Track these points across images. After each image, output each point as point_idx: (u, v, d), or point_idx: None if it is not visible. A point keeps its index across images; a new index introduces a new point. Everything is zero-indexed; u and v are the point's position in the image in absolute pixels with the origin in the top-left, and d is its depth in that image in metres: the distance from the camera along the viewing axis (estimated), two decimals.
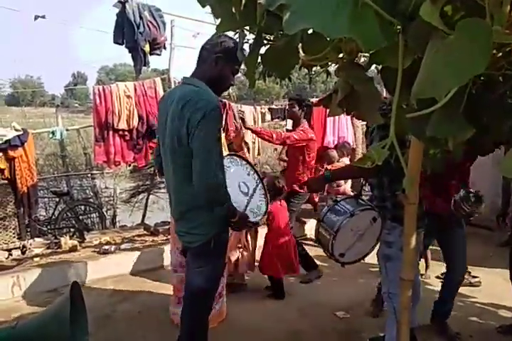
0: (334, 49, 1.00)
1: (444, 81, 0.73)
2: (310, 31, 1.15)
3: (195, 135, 1.79)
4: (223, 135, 3.79)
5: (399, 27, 0.91)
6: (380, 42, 0.78)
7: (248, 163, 2.41)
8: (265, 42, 1.34)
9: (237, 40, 2.12)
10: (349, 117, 6.27)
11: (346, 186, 4.82)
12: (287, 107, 4.06)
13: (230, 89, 5.95)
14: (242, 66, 1.94)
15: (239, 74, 2.19)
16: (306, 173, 3.87)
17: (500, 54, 1.13)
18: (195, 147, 1.80)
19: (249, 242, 3.60)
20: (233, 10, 1.28)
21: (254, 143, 5.71)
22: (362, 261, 2.23)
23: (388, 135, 0.89)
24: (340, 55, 1.03)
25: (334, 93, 1.09)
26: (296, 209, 3.90)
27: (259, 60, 1.39)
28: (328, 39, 1.07)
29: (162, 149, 2.03)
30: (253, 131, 3.80)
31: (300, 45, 1.08)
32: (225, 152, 2.41)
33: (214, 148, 1.83)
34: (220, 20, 1.37)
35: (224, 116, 5.15)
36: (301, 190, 3.79)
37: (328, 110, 4.90)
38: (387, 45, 0.84)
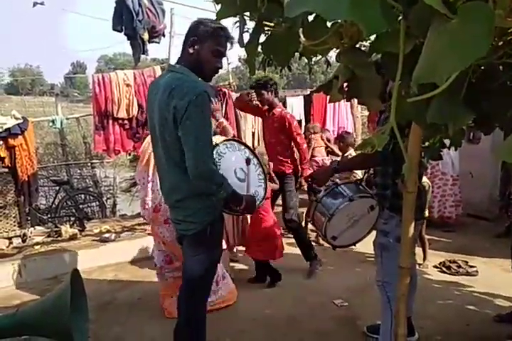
0: (335, 34, 0.99)
1: (446, 65, 0.72)
2: (311, 17, 1.14)
3: (183, 122, 1.77)
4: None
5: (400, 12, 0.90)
6: (381, 26, 0.77)
7: (247, 147, 2.39)
8: (265, 29, 1.33)
9: (236, 28, 2.09)
10: (349, 108, 6.25)
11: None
12: (257, 97, 3.72)
13: (231, 79, 5.91)
14: (243, 55, 1.88)
15: (238, 64, 2.13)
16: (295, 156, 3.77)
17: (501, 42, 1.12)
18: (184, 135, 1.78)
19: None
20: None
21: (254, 133, 5.70)
22: (355, 247, 2.25)
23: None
24: (342, 40, 1.02)
25: (335, 79, 1.08)
26: (292, 189, 3.77)
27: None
28: (329, 24, 1.06)
29: (153, 140, 2.01)
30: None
31: (301, 30, 1.07)
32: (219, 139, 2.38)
33: (203, 134, 1.81)
34: (220, 6, 1.35)
35: (224, 106, 5.13)
36: (289, 172, 3.75)
37: (327, 100, 4.86)
38: (388, 30, 0.83)
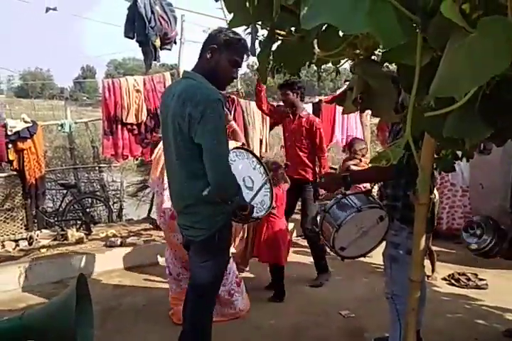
0: (350, 45, 0.98)
1: (465, 79, 0.71)
2: (324, 27, 1.13)
3: (199, 130, 1.78)
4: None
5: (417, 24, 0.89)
6: (399, 38, 0.77)
7: (255, 156, 2.39)
8: (277, 38, 1.33)
9: (246, 35, 2.10)
10: (358, 116, 6.22)
11: None
12: (282, 97, 3.75)
13: (239, 85, 5.94)
14: (251, 62, 1.90)
15: (247, 71, 2.15)
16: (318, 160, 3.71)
17: None
18: (203, 143, 1.79)
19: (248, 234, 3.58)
20: (247, 4, 1.26)
21: (261, 140, 5.69)
22: (363, 258, 2.22)
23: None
24: (357, 51, 1.01)
25: (349, 90, 1.07)
26: (312, 199, 3.71)
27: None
28: (343, 35, 1.05)
29: (165, 145, 2.02)
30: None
31: (316, 40, 1.06)
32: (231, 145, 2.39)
33: (221, 142, 1.83)
34: (232, 15, 1.35)
35: (232, 112, 5.13)
36: (312, 179, 3.69)
37: (337, 108, 4.86)
38: (405, 42, 0.82)
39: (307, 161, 3.70)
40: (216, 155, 1.80)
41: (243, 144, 3.03)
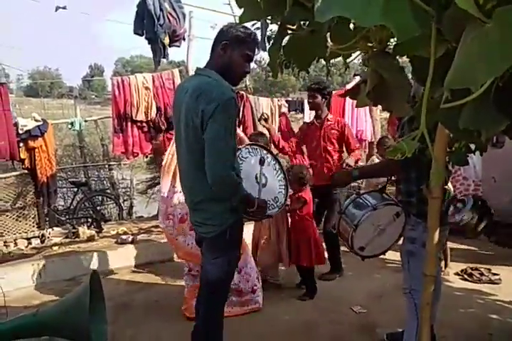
0: (363, 38, 0.97)
1: (481, 70, 0.70)
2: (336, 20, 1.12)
3: (208, 126, 1.78)
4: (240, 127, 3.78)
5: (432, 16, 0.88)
6: (414, 30, 0.76)
7: (269, 152, 2.37)
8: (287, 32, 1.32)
9: (255, 30, 2.09)
10: (368, 110, 6.18)
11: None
12: (308, 99, 3.75)
13: (248, 81, 5.94)
14: (258, 58, 1.90)
15: (254, 66, 2.14)
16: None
17: None
18: (209, 138, 1.79)
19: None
20: None
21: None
22: (382, 255, 2.21)
23: (417, 128, 0.87)
24: (370, 44, 1.00)
25: (363, 83, 1.06)
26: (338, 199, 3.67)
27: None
28: (355, 27, 1.04)
29: (177, 141, 2.03)
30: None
31: (328, 34, 1.05)
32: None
33: (228, 139, 1.82)
34: (243, 9, 1.35)
35: (241, 108, 5.14)
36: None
37: (346, 102, 4.84)
38: (419, 34, 0.81)
39: (335, 164, 3.65)
40: (217, 152, 1.79)
41: (267, 145, 2.99)
